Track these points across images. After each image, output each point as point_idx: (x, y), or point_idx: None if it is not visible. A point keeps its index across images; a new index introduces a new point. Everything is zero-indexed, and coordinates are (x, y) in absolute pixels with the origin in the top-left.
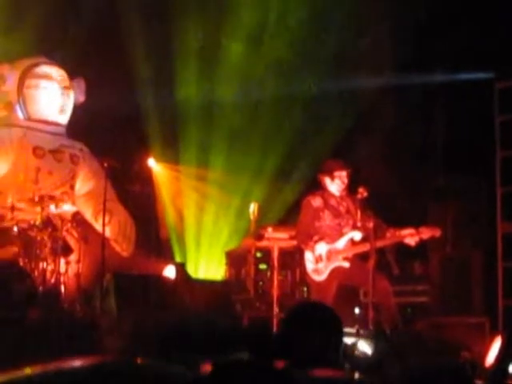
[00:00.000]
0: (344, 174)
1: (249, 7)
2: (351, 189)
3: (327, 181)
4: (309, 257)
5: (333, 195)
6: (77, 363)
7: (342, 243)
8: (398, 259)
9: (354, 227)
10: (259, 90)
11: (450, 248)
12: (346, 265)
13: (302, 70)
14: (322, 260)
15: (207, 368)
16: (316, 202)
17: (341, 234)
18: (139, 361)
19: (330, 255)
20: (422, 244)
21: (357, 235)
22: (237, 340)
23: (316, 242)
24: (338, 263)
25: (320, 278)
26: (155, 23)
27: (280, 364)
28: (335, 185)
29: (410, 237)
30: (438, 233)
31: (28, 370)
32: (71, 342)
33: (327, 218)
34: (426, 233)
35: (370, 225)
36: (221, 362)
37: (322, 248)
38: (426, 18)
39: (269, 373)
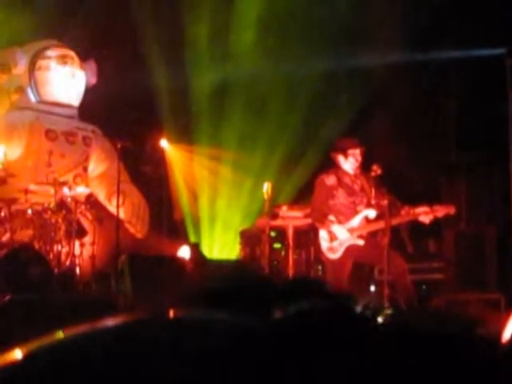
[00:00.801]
0: (357, 151)
1: None
2: (365, 167)
3: (341, 159)
4: (323, 235)
5: (346, 173)
6: (110, 322)
7: (356, 221)
8: (412, 237)
9: (369, 205)
10: (272, 68)
11: (464, 225)
12: (361, 243)
13: (314, 48)
14: (337, 238)
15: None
16: (330, 180)
17: (355, 212)
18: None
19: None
20: (436, 221)
21: (371, 213)
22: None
23: (331, 222)
24: (352, 241)
25: (335, 256)
26: (167, 3)
27: None
28: (349, 163)
29: (425, 215)
30: (452, 210)
31: (61, 334)
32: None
33: (341, 196)
34: (441, 211)
35: (385, 202)
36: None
37: (336, 228)
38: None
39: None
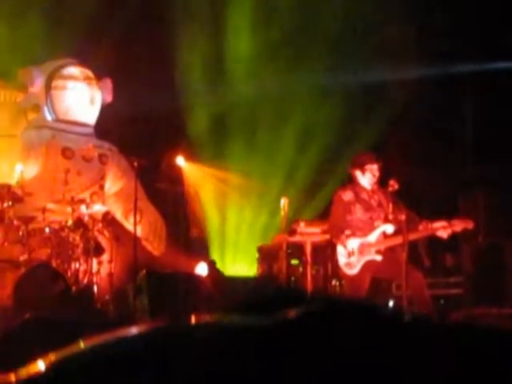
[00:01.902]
0: (375, 167)
1: (287, 4)
2: (382, 182)
3: (358, 174)
4: (341, 251)
5: (364, 188)
6: (133, 330)
7: (374, 236)
8: (429, 251)
9: (386, 220)
10: (288, 86)
11: (482, 238)
12: (379, 258)
13: (329, 65)
14: (355, 254)
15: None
16: (347, 195)
17: (372, 228)
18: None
19: (363, 249)
20: (454, 235)
21: (389, 228)
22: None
23: (348, 236)
24: (370, 257)
25: (352, 271)
26: (181, 22)
27: None
28: (366, 178)
29: (443, 230)
30: (470, 225)
31: (81, 344)
32: None
33: (358, 212)
34: (459, 225)
35: (402, 217)
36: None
37: (354, 242)
38: (454, 9)
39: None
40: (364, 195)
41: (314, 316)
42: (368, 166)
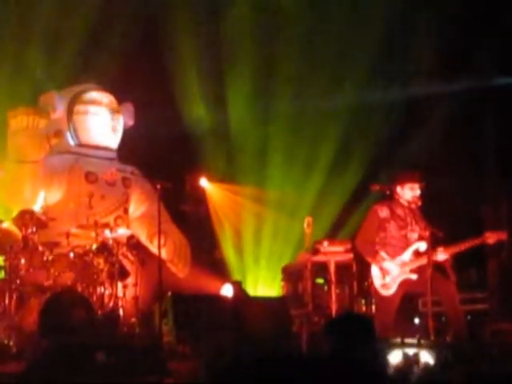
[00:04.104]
0: (417, 185)
1: (298, 21)
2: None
3: (398, 191)
4: (375, 273)
5: (401, 206)
6: None
7: (407, 255)
8: (454, 267)
9: (420, 238)
10: (324, 101)
11: (507, 253)
12: (414, 277)
13: (347, 79)
14: (390, 275)
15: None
16: (383, 212)
17: (405, 245)
18: None
19: (398, 269)
20: (479, 250)
21: (422, 246)
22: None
23: (383, 259)
24: (405, 276)
25: (388, 292)
26: (204, 42)
27: None
28: (406, 196)
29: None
30: (504, 236)
31: None
32: (134, 366)
33: (393, 229)
34: (493, 237)
35: (427, 233)
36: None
37: (389, 264)
38: (472, 22)
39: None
40: (400, 212)
41: None
42: (409, 184)
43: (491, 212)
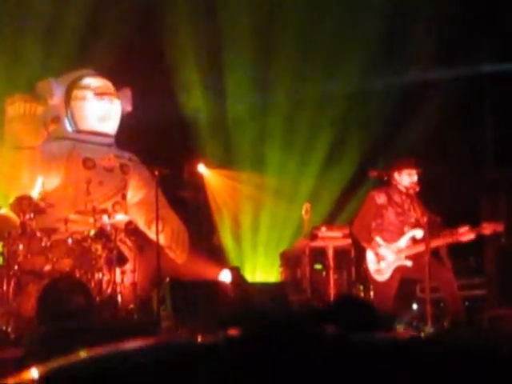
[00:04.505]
0: (414, 172)
1: (296, 10)
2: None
3: (396, 177)
4: (370, 257)
5: (398, 192)
6: (136, 344)
7: (403, 242)
8: (450, 254)
9: (416, 224)
10: (308, 89)
11: (505, 239)
12: (409, 263)
13: (346, 67)
14: (385, 260)
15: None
16: (380, 198)
17: (402, 232)
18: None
19: (393, 255)
20: (476, 237)
21: (418, 233)
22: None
23: (379, 244)
24: (400, 262)
25: (383, 277)
26: (203, 29)
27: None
28: (404, 182)
29: (469, 234)
30: (500, 228)
31: (84, 353)
32: None
33: (390, 216)
34: (489, 228)
35: (424, 220)
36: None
37: (384, 249)
38: (470, 10)
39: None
40: (397, 198)
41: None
42: (406, 171)
43: (489, 201)
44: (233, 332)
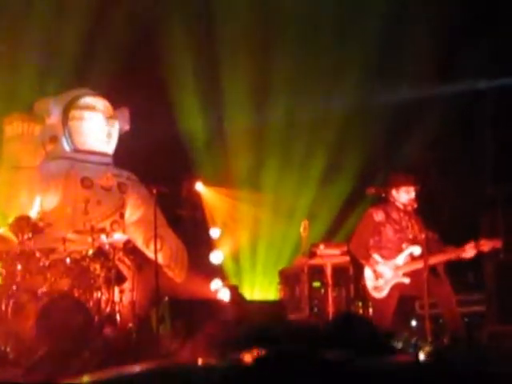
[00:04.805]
0: (412, 188)
1: (297, 24)
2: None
3: (394, 194)
4: (368, 274)
5: (396, 209)
6: (136, 368)
7: (401, 259)
8: (449, 269)
9: (414, 241)
10: (305, 107)
11: (504, 255)
12: (407, 281)
13: (343, 84)
14: (383, 277)
15: (249, 358)
16: (378, 216)
17: (400, 249)
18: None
19: (391, 272)
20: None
21: (416, 250)
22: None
23: (377, 262)
24: (398, 279)
25: (380, 295)
26: (200, 47)
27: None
28: (401, 199)
29: (470, 249)
30: (498, 244)
31: (86, 378)
32: None
33: (388, 233)
34: (487, 245)
35: (422, 236)
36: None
37: (383, 266)
38: (465, 25)
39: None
40: (395, 215)
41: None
42: (404, 188)
43: (488, 217)
44: (245, 359)
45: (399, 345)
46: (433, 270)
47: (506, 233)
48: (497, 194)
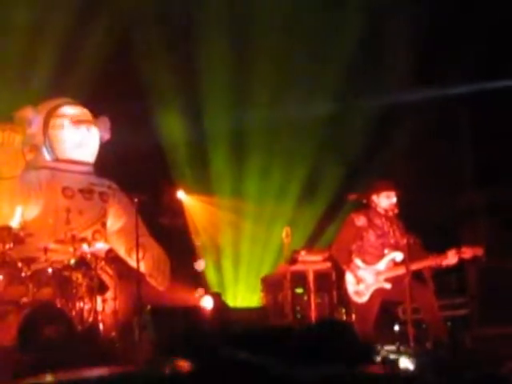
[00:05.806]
0: (393, 194)
1: (274, 33)
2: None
3: (375, 199)
4: (350, 279)
5: (378, 214)
6: (102, 371)
7: (383, 264)
8: (433, 274)
9: (396, 247)
10: (285, 114)
11: (487, 259)
12: (388, 286)
13: (321, 91)
14: (364, 282)
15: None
16: (360, 221)
17: (382, 254)
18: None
19: (372, 277)
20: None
21: (398, 256)
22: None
23: (358, 267)
24: (379, 284)
25: (361, 299)
26: (179, 53)
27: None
28: (383, 204)
29: (452, 256)
30: (480, 252)
31: (50, 377)
32: None
33: (371, 238)
34: (469, 252)
35: (404, 241)
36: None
37: (363, 271)
38: (444, 29)
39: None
40: (377, 220)
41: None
42: (385, 193)
43: (469, 224)
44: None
45: (378, 358)
46: (418, 274)
47: (488, 237)
48: (478, 201)
